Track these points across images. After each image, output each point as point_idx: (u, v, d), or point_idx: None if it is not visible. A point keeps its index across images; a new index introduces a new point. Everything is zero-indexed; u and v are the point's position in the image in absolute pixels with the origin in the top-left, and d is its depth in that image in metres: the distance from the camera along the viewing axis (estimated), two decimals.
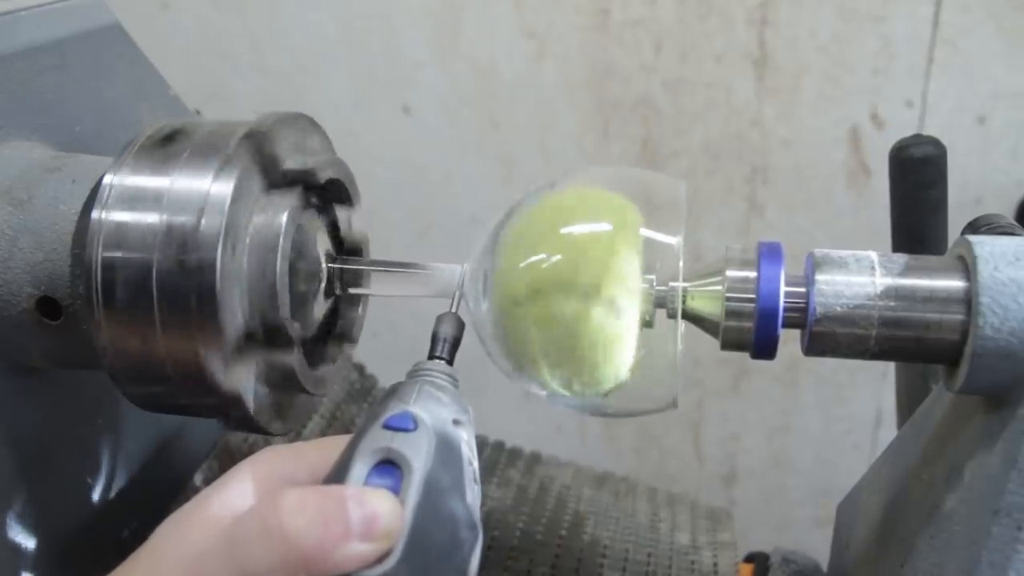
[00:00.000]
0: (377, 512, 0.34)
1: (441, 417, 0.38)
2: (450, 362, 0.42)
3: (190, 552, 0.35)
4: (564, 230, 0.43)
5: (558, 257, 0.42)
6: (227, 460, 0.68)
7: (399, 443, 0.36)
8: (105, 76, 0.59)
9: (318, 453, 0.39)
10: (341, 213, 0.51)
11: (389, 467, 0.36)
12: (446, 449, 0.37)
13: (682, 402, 0.45)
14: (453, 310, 0.44)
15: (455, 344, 0.43)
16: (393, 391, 0.40)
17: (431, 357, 0.42)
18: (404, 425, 0.37)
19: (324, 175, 0.47)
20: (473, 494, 0.37)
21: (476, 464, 0.39)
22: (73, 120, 0.55)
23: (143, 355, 0.43)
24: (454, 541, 0.35)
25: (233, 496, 0.37)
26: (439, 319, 0.43)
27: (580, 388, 0.44)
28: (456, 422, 0.39)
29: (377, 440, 0.36)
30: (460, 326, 0.43)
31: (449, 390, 0.40)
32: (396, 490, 0.35)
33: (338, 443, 0.39)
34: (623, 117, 1.18)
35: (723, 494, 1.38)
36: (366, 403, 0.84)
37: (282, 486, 0.38)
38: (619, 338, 0.43)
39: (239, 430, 0.46)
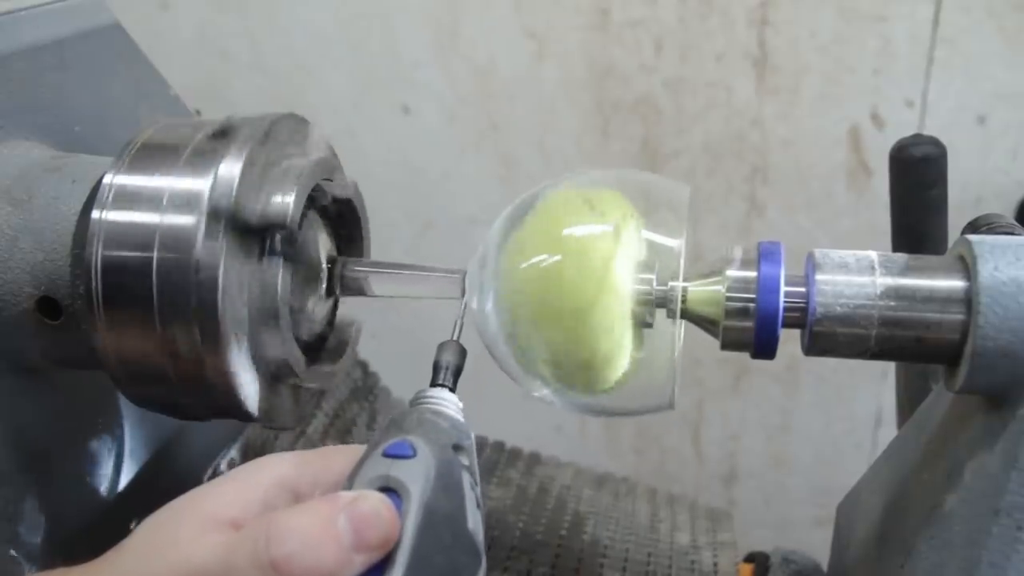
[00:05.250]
0: (367, 524, 0.34)
1: (441, 444, 0.38)
2: (452, 389, 0.42)
3: (185, 559, 0.35)
4: (564, 232, 0.43)
5: (558, 258, 0.43)
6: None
7: (397, 470, 0.36)
8: (105, 76, 0.59)
9: (321, 461, 0.40)
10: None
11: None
12: (446, 475, 0.37)
13: (682, 402, 0.45)
14: (455, 337, 0.44)
15: (457, 372, 0.42)
16: (394, 420, 0.39)
17: (433, 385, 0.42)
18: (403, 452, 0.37)
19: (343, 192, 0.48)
20: (475, 520, 0.37)
21: (478, 490, 0.39)
22: (73, 120, 0.55)
23: (143, 355, 0.43)
24: (455, 567, 0.35)
25: (231, 495, 0.37)
26: (440, 347, 0.43)
27: (581, 388, 0.44)
28: (457, 448, 0.38)
29: (376, 468, 0.36)
30: (462, 354, 0.43)
31: (450, 417, 0.40)
32: None
33: (341, 452, 0.40)
34: (623, 117, 1.18)
35: (723, 494, 1.38)
36: (367, 401, 0.84)
37: (282, 494, 0.38)
38: (619, 339, 0.43)
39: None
